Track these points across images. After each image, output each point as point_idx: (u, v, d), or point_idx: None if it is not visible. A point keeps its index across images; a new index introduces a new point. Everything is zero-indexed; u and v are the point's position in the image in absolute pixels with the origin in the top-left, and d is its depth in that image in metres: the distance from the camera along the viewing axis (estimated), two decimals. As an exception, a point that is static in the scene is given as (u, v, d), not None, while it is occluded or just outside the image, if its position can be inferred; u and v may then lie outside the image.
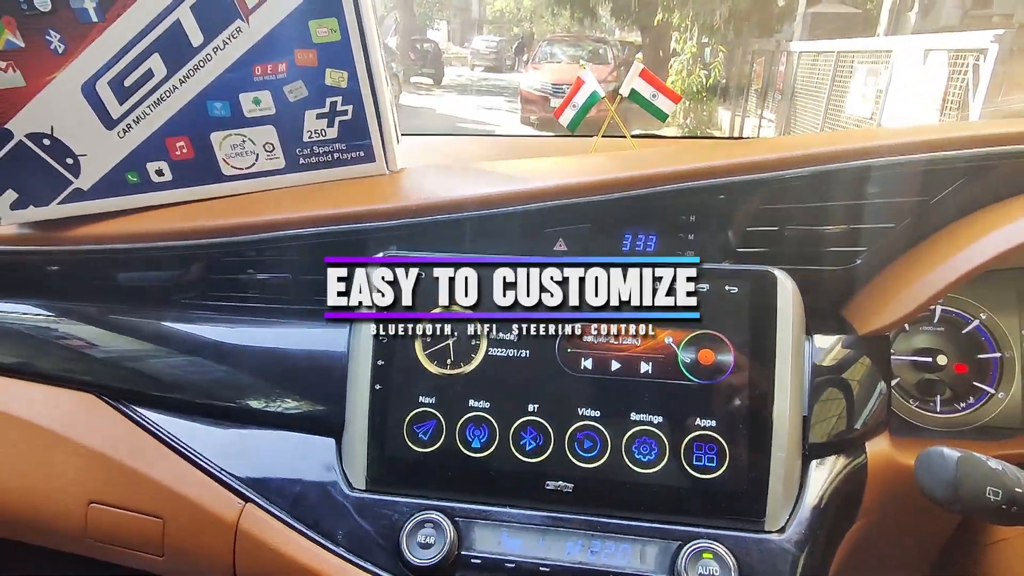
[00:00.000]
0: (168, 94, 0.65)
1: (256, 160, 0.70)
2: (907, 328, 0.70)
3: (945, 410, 0.69)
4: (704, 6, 7.01)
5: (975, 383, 0.68)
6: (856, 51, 4.65)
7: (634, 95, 0.90)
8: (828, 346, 0.60)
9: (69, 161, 0.66)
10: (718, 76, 7.18)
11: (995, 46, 3.13)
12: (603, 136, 0.94)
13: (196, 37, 0.63)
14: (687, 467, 0.55)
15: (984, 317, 0.69)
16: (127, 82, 0.64)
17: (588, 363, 0.58)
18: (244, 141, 0.68)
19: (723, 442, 0.55)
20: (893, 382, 0.68)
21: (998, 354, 0.68)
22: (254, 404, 0.64)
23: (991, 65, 3.16)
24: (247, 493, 0.60)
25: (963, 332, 0.69)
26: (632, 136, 0.97)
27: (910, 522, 0.63)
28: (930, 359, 0.68)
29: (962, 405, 0.68)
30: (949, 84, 3.47)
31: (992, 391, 0.68)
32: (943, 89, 3.47)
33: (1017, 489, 0.42)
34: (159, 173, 0.68)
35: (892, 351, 0.69)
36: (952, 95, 3.43)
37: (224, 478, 0.61)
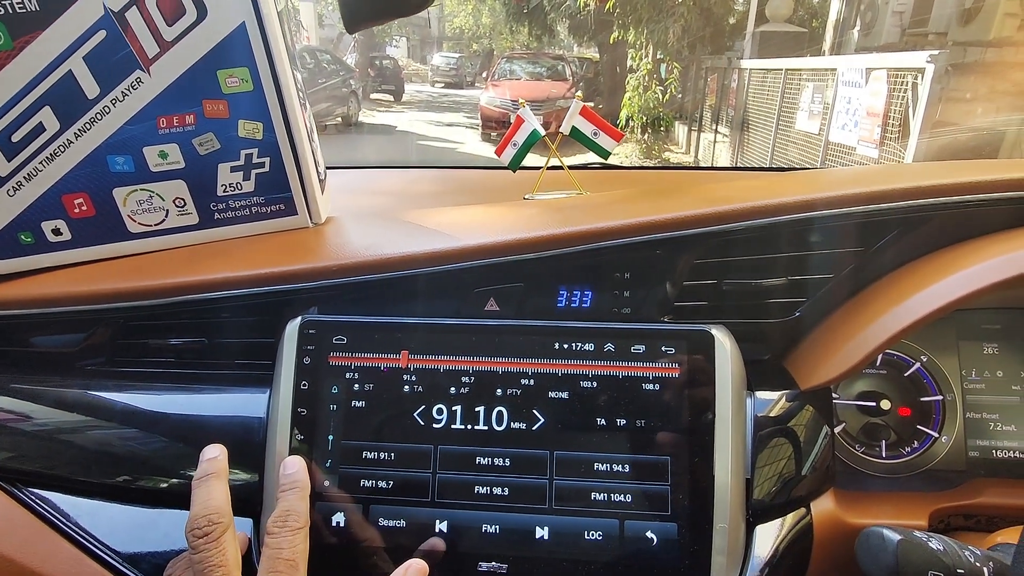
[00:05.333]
0: (62, 149, 0.59)
1: (166, 216, 0.65)
2: None
3: (891, 455, 0.67)
4: (658, 24, 7.16)
5: (919, 426, 0.67)
6: (803, 68, 4.81)
7: (575, 133, 0.88)
8: (770, 402, 0.58)
9: (-47, 222, 0.61)
10: (674, 92, 7.32)
11: (931, 66, 3.27)
12: (548, 168, 0.92)
13: (92, 89, 0.58)
14: (625, 543, 0.52)
15: (925, 359, 0.68)
16: (15, 137, 0.58)
17: (519, 435, 0.54)
18: (151, 196, 0.63)
19: (662, 516, 0.52)
20: (838, 428, 0.67)
21: (940, 397, 0.68)
22: (164, 481, 0.58)
23: (928, 84, 3.29)
24: (152, 590, 0.54)
25: (905, 375, 0.68)
26: (581, 167, 0.94)
27: (859, 580, 0.62)
28: (874, 403, 0.67)
29: (907, 449, 0.67)
30: (890, 101, 3.60)
31: (935, 435, 0.67)
32: (884, 107, 3.60)
33: (959, 571, 0.41)
34: (56, 232, 0.63)
35: (835, 395, 0.67)
36: (893, 112, 3.56)
37: (127, 571, 0.55)
